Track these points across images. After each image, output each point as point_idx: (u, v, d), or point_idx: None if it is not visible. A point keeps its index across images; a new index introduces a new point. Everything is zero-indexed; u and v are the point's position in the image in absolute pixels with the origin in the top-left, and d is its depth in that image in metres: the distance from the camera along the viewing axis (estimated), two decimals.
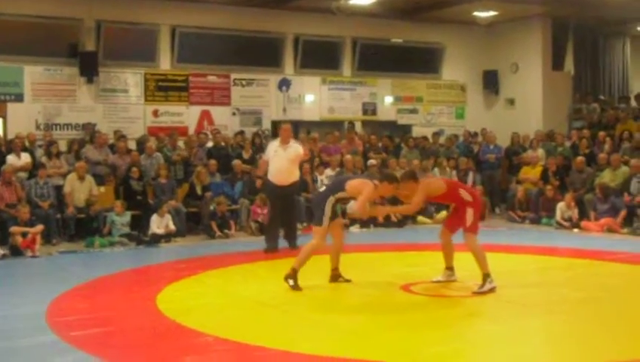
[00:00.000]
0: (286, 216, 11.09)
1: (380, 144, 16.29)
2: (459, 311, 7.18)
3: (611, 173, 13.71)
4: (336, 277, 8.27)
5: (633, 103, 18.61)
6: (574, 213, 13.40)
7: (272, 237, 10.97)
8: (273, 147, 10.99)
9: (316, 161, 14.69)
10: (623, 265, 9.70)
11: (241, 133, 15.52)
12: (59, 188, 12.49)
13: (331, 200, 7.80)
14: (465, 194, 7.91)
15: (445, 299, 7.70)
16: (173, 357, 5.60)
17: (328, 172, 14.69)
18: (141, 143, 14.46)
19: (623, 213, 12.91)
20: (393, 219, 13.63)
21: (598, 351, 5.71)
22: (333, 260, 8.29)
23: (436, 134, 17.47)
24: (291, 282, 7.82)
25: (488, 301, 7.50)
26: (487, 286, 7.67)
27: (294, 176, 11.00)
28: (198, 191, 13.29)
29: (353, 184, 7.87)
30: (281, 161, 10.75)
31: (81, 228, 12.22)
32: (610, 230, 12.72)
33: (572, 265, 9.81)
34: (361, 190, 7.74)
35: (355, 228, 13.30)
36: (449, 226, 8.16)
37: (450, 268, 8.29)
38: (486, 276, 7.72)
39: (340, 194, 7.86)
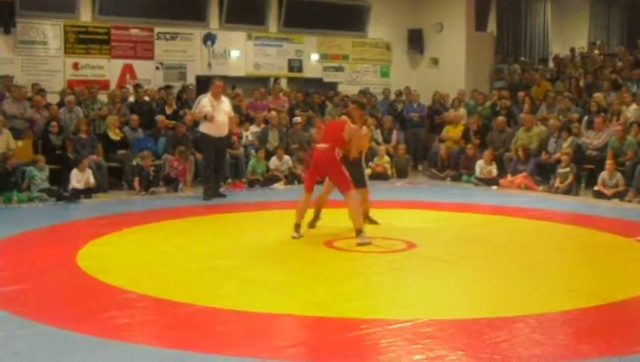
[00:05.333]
0: (217, 165, 11.86)
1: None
2: (380, 266, 7.29)
3: (525, 133, 14.02)
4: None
5: (551, 65, 19.07)
6: (493, 169, 13.76)
7: (211, 187, 11.75)
8: (209, 101, 11.53)
9: (241, 117, 14.57)
10: (538, 221, 10.04)
11: (167, 87, 15.19)
12: None
13: None
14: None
15: (367, 254, 7.80)
16: (93, 313, 5.53)
17: (253, 128, 14.62)
18: (61, 96, 14.05)
19: (523, 174, 13.29)
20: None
21: (512, 303, 5.93)
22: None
23: (362, 92, 17.55)
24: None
25: (410, 256, 7.69)
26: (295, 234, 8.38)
27: (227, 128, 11.78)
28: (112, 136, 13.02)
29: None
30: (220, 114, 11.48)
31: None
32: (527, 187, 13.12)
33: (490, 221, 10.11)
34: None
35: (279, 185, 13.31)
36: None
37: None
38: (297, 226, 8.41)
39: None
